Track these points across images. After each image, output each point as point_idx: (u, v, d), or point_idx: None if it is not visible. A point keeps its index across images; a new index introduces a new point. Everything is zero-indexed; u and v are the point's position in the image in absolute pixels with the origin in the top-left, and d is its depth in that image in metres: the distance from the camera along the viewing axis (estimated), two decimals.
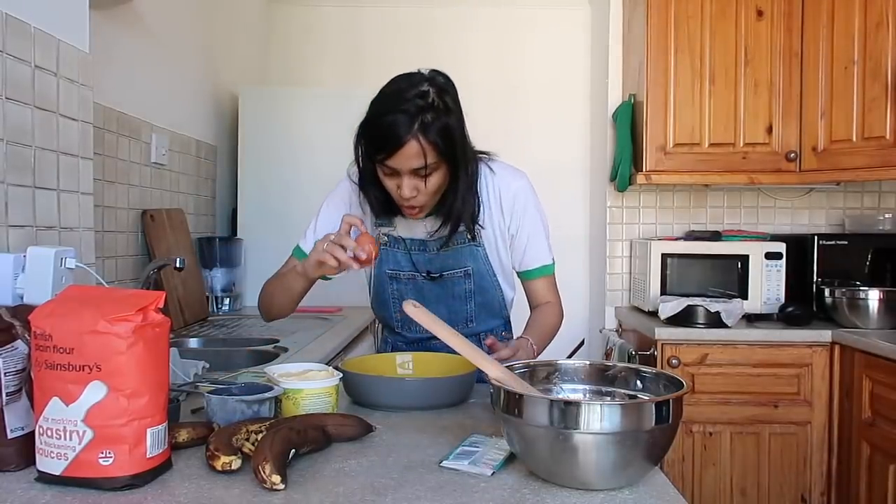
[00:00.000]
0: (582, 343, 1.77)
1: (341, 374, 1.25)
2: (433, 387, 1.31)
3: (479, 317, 1.61)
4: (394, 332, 1.69)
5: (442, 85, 1.36)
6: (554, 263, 1.64)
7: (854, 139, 2.57)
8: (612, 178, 3.03)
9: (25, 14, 1.33)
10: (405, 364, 1.47)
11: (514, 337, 1.69)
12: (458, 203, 1.44)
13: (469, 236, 1.53)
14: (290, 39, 3.63)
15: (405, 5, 3.55)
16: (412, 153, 1.31)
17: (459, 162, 1.39)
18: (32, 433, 0.92)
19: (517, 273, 1.64)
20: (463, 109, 1.40)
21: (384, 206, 1.48)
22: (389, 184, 1.39)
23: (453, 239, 1.51)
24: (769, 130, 2.76)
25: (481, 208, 1.52)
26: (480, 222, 1.52)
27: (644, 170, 2.80)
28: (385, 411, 1.26)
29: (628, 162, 2.89)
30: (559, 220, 3.58)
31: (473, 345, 1.08)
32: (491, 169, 1.54)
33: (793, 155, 2.74)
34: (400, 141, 1.30)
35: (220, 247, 2.73)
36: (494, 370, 1.01)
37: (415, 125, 1.30)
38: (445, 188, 1.42)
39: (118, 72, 2.11)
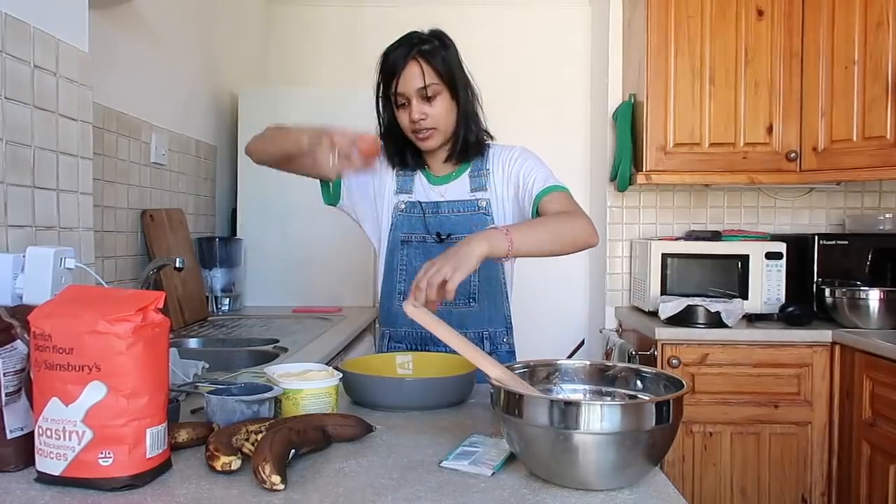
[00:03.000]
0: (582, 343, 1.76)
1: (341, 374, 1.25)
2: (433, 387, 1.31)
3: (482, 293, 1.64)
4: (389, 320, 1.68)
5: (440, 33, 1.60)
6: (565, 187, 1.56)
7: (854, 139, 2.57)
8: (612, 178, 3.03)
9: (25, 14, 1.33)
10: (405, 364, 1.47)
11: (514, 344, 1.69)
12: (462, 123, 1.61)
13: (481, 184, 1.63)
14: (290, 39, 3.63)
15: (405, 5, 3.54)
16: (414, 73, 1.53)
17: (459, 88, 1.58)
18: (31, 433, 0.92)
19: (531, 205, 1.55)
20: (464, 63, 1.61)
21: (403, 156, 1.65)
22: (403, 118, 1.57)
23: (464, 206, 1.61)
24: (769, 130, 2.75)
25: (488, 177, 1.64)
26: (487, 187, 1.63)
27: (644, 170, 2.80)
28: (385, 412, 1.26)
29: (628, 162, 2.89)
30: None
31: (473, 345, 1.09)
32: (490, 146, 1.69)
33: (793, 155, 2.74)
34: (402, 64, 1.53)
35: (219, 247, 2.73)
36: (494, 370, 1.01)
37: (413, 51, 1.53)
38: (453, 119, 1.59)
39: (118, 72, 2.11)
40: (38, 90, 1.37)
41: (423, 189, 1.67)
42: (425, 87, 1.53)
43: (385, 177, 1.69)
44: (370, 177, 1.68)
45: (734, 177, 2.78)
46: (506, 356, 1.65)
